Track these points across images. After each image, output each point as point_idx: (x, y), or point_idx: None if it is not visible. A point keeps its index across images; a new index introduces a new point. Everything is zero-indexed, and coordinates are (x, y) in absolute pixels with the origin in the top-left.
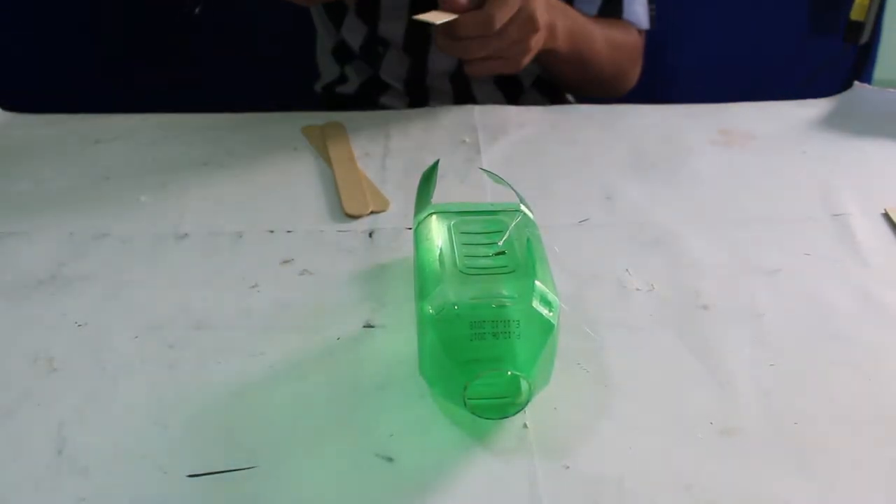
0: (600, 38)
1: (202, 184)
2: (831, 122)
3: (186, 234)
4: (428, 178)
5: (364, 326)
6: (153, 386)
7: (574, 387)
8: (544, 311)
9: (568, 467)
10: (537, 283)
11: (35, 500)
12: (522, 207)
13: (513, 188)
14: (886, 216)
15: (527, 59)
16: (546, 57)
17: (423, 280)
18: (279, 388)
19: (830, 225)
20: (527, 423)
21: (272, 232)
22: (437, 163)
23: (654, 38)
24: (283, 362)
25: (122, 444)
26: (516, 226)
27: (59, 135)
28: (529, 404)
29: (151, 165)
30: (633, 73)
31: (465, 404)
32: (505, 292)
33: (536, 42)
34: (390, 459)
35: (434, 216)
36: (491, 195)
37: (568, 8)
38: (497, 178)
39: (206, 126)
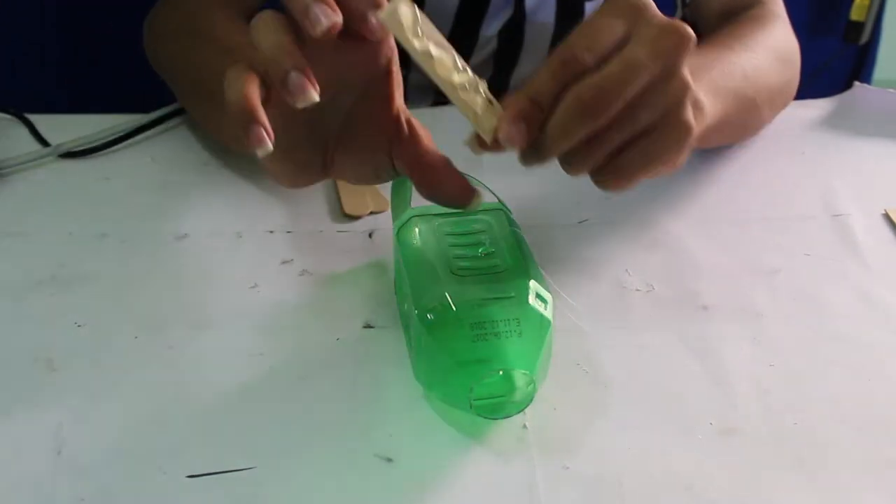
0: (752, 59)
1: (202, 184)
2: (831, 123)
3: (186, 235)
4: (402, 182)
5: (364, 327)
6: (153, 386)
7: (573, 387)
8: (540, 308)
9: (567, 468)
10: (531, 280)
11: (35, 500)
12: (503, 206)
13: (486, 187)
14: (886, 216)
15: (691, 123)
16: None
17: (416, 285)
18: (278, 389)
19: (830, 225)
20: (526, 423)
21: (272, 232)
22: None
23: None
24: (283, 362)
25: (122, 444)
26: (499, 225)
27: (59, 135)
28: (528, 404)
29: (151, 165)
30: (797, 77)
31: (469, 406)
32: (501, 291)
33: (690, 91)
34: (390, 460)
35: (415, 219)
36: (493, 196)
37: (695, 56)
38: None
39: None
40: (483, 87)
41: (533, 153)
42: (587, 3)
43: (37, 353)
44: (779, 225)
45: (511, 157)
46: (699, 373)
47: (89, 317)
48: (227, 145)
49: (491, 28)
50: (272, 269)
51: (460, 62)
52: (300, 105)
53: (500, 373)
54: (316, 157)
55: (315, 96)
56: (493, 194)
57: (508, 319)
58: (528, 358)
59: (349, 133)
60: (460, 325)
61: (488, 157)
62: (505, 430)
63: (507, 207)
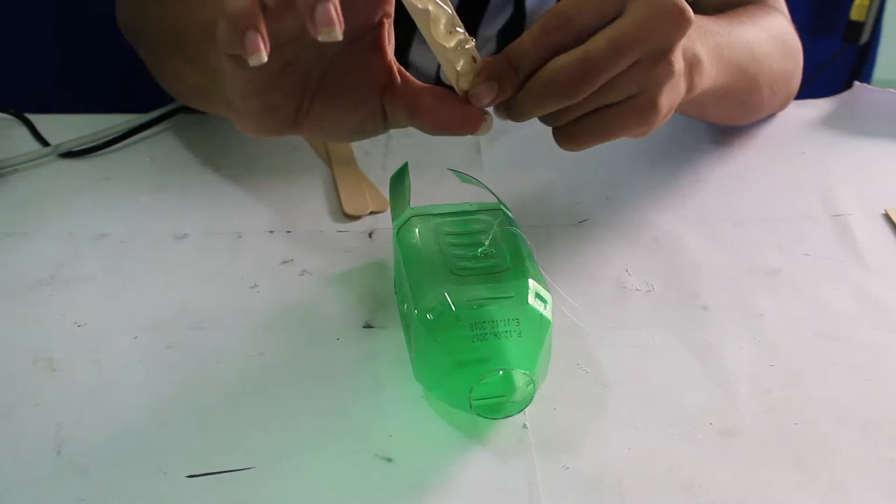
0: (759, 38)
1: (202, 184)
2: (831, 123)
3: (186, 235)
4: (400, 182)
5: (364, 327)
6: (152, 386)
7: (573, 387)
8: (540, 308)
9: (567, 467)
10: (530, 280)
11: (35, 500)
12: (502, 206)
13: (486, 187)
14: (886, 216)
15: (663, 108)
16: (693, 101)
17: (416, 285)
18: (278, 388)
19: (830, 225)
20: (526, 423)
21: (272, 232)
22: (405, 165)
23: None
24: (283, 362)
25: (122, 444)
26: (499, 225)
27: (59, 135)
28: (529, 404)
29: (151, 165)
30: (799, 73)
31: (469, 406)
32: (500, 291)
33: (674, 78)
34: (390, 460)
35: (415, 219)
36: (493, 196)
37: (705, 20)
38: (465, 177)
39: (205, 126)
40: (471, 45)
41: (505, 111)
42: None
43: (37, 353)
44: (779, 225)
45: (511, 157)
46: (699, 373)
47: (89, 317)
48: (188, 101)
49: (490, 28)
50: (272, 269)
51: (455, 20)
52: (322, 38)
53: (500, 373)
54: (290, 101)
55: (339, 35)
56: (493, 194)
57: (508, 319)
58: (528, 358)
59: (334, 81)
60: (460, 325)
61: (488, 157)
62: (505, 430)
63: (506, 207)
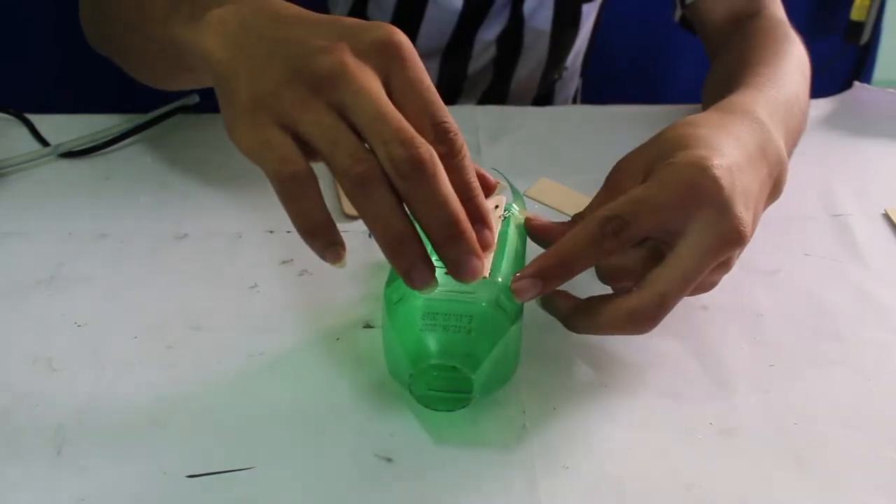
0: (798, 85)
1: (202, 184)
2: (831, 123)
3: (186, 235)
4: None
5: (364, 327)
6: (152, 386)
7: (573, 387)
8: (503, 310)
9: (567, 467)
10: (500, 280)
11: (35, 500)
12: (514, 205)
13: (510, 183)
14: (886, 216)
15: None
16: None
17: (393, 270)
18: (278, 389)
19: (830, 225)
20: (526, 423)
21: (272, 232)
22: None
23: (657, 39)
24: (283, 362)
25: (122, 444)
26: (506, 223)
27: (59, 135)
28: (529, 405)
29: (151, 165)
30: None
31: (410, 392)
32: (466, 286)
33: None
34: (390, 460)
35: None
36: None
37: (767, 95)
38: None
39: (205, 126)
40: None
41: (559, 319)
42: (584, 4)
43: (37, 353)
44: (779, 225)
45: (511, 157)
46: (699, 373)
47: (89, 317)
48: (168, 84)
49: (489, 34)
50: (272, 269)
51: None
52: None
53: (443, 366)
54: None
55: (435, 286)
56: (514, 190)
57: (461, 315)
58: (473, 357)
59: None
60: (413, 313)
61: (488, 157)
62: (505, 430)
63: (517, 194)
